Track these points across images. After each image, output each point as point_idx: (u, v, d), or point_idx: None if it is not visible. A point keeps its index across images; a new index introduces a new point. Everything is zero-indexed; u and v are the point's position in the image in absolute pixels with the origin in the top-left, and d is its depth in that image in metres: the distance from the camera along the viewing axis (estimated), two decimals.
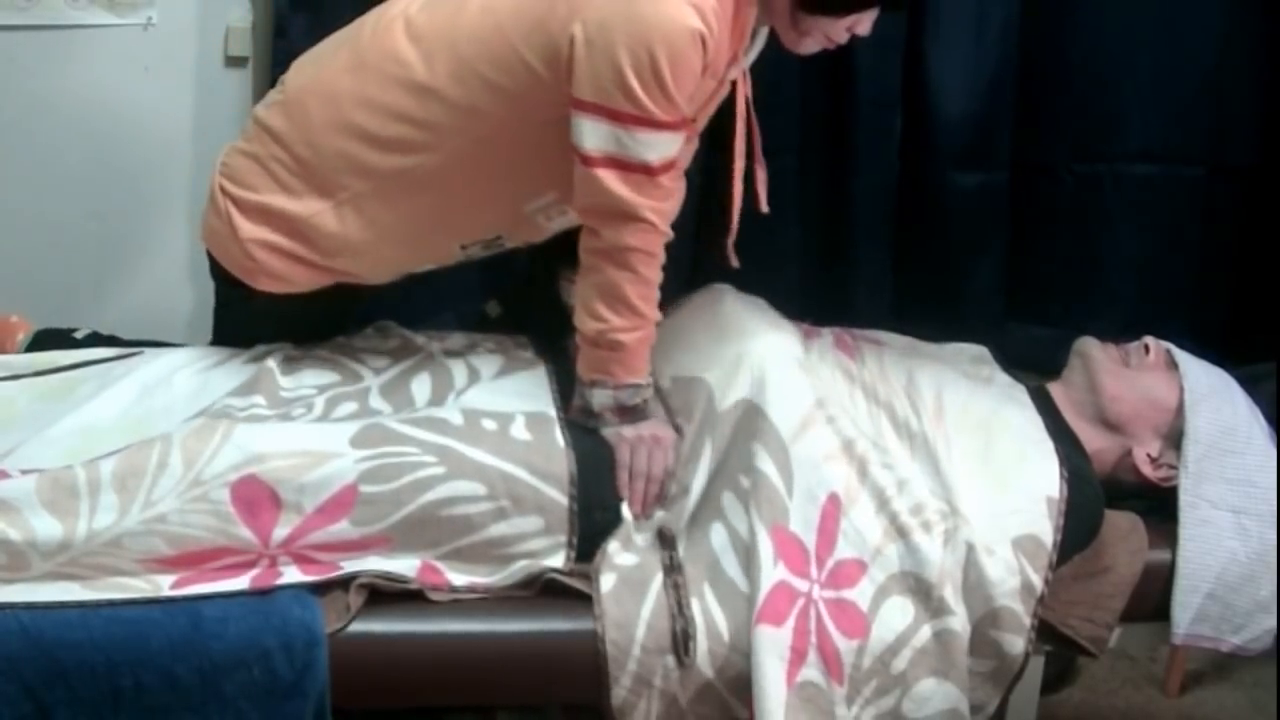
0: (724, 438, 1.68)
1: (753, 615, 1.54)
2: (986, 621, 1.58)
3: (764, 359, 1.72)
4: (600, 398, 1.67)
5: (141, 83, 2.20)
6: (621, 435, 1.67)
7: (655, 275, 1.65)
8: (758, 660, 1.52)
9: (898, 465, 1.65)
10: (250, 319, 1.82)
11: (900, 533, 1.60)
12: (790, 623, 1.54)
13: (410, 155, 1.65)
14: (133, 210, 2.26)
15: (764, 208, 1.87)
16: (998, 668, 1.59)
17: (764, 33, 1.74)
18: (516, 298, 2.02)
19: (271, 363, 1.76)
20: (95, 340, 1.93)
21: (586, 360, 1.68)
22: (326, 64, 1.71)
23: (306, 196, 1.68)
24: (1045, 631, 1.65)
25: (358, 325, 1.92)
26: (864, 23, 1.66)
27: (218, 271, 1.78)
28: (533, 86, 1.59)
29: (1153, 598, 1.73)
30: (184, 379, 1.75)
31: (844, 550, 1.58)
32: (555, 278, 1.90)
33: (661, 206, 1.61)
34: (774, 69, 2.20)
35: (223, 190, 1.72)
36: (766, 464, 1.62)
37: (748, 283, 2.07)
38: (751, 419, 1.67)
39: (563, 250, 1.79)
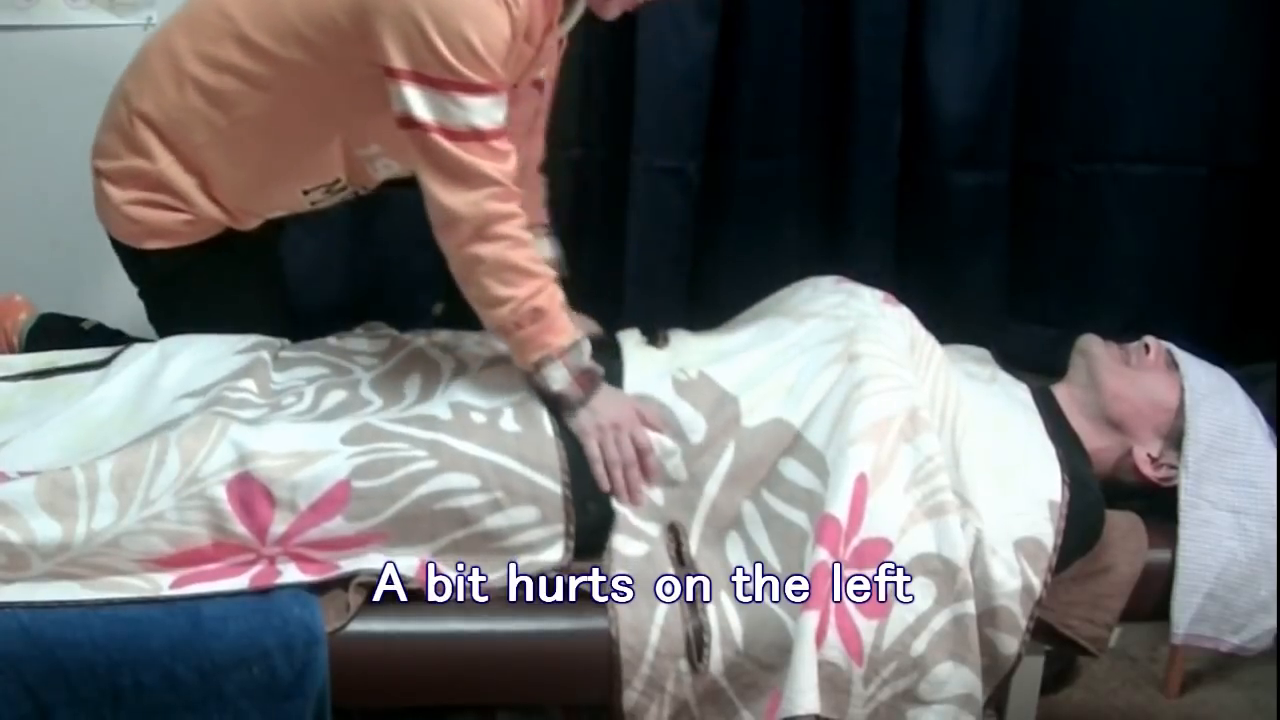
0: (752, 448, 1.67)
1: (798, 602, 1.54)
2: (984, 619, 1.58)
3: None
4: (555, 375, 1.67)
5: None
6: (584, 430, 1.66)
7: (525, 234, 1.66)
8: (796, 643, 1.51)
9: (928, 445, 1.65)
10: (167, 291, 1.88)
11: (928, 514, 1.60)
12: (819, 603, 1.54)
13: (239, 106, 1.72)
14: None
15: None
16: (989, 666, 1.59)
17: (582, 2, 1.76)
18: (459, 296, 2.03)
19: (265, 355, 1.78)
20: (101, 332, 1.93)
21: (519, 350, 1.68)
22: (170, 22, 1.78)
23: (155, 150, 1.76)
24: (1045, 631, 1.65)
25: (348, 326, 1.93)
26: None
27: (119, 251, 1.86)
28: (343, 44, 1.64)
29: (1153, 598, 1.73)
30: (179, 365, 1.76)
31: (870, 529, 1.58)
32: None
33: (503, 167, 1.62)
34: (773, 69, 2.21)
35: (96, 170, 1.81)
36: (802, 474, 1.63)
37: (748, 283, 2.07)
38: (786, 438, 1.67)
39: None
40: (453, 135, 1.59)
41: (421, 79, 1.57)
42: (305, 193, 1.84)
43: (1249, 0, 2.23)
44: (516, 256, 1.64)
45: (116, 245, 1.85)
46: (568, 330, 1.68)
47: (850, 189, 2.30)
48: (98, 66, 2.18)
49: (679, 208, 2.25)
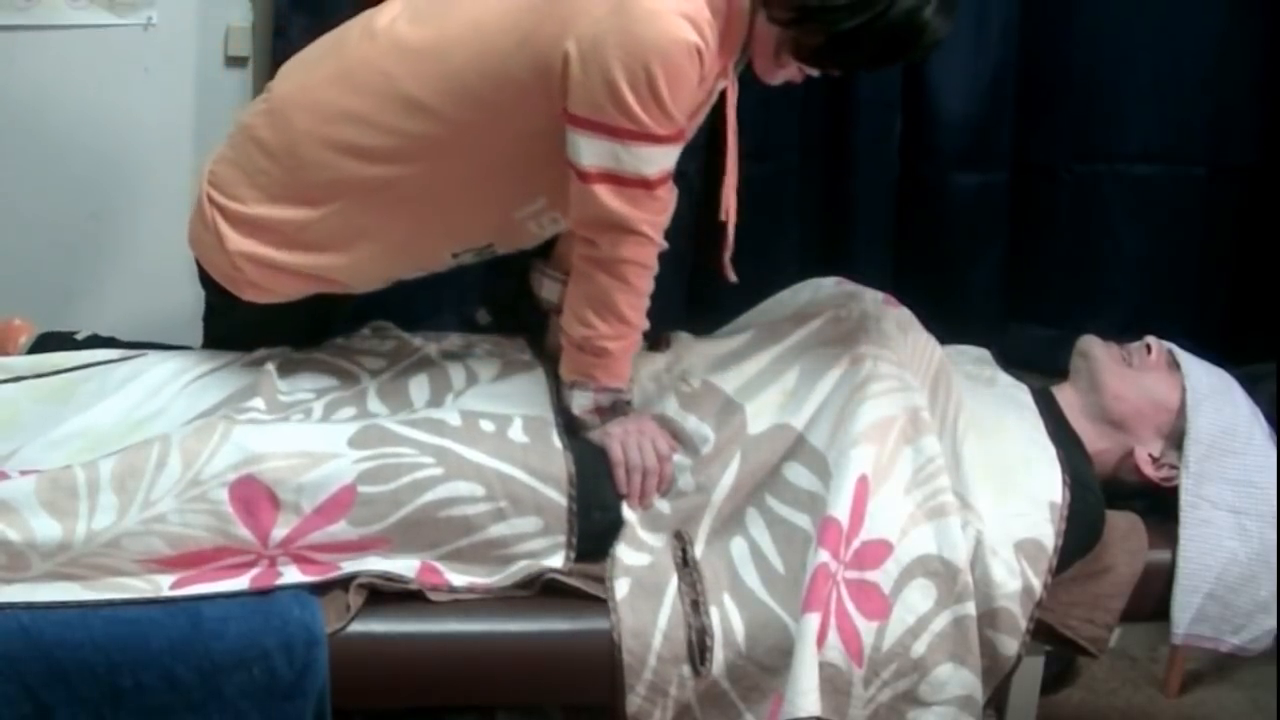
0: (756, 455, 1.68)
1: (799, 605, 1.54)
2: (984, 620, 1.59)
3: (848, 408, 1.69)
4: (580, 400, 1.69)
5: (141, 83, 2.20)
6: (609, 433, 1.67)
7: (646, 286, 1.66)
8: (797, 646, 1.51)
9: (929, 447, 1.65)
10: (237, 325, 1.81)
11: (929, 515, 1.60)
12: (820, 604, 1.54)
13: (396, 166, 1.63)
14: (133, 211, 2.26)
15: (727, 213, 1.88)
16: (989, 667, 1.59)
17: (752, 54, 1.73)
18: (505, 306, 2.02)
19: (270, 366, 1.76)
20: (96, 342, 1.92)
21: (570, 362, 1.69)
22: (312, 73, 1.69)
23: (294, 208, 1.67)
24: (1045, 632, 1.65)
25: (354, 326, 1.92)
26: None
27: (205, 278, 1.77)
28: (520, 99, 1.58)
29: (1153, 598, 1.73)
30: (184, 383, 1.75)
31: (870, 531, 1.58)
32: (529, 269, 1.91)
33: (657, 219, 1.62)
34: None
35: (210, 200, 1.70)
36: (805, 476, 1.64)
37: (748, 283, 2.07)
38: (789, 441, 1.68)
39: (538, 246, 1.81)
40: (618, 181, 1.56)
41: (599, 127, 1.53)
42: (454, 255, 1.75)
43: (1248, 1, 2.24)
44: (619, 300, 1.64)
45: (204, 272, 1.76)
46: (619, 378, 1.69)
47: (850, 189, 2.30)
48: (98, 66, 2.18)
49: (679, 208, 2.25)
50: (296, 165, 1.66)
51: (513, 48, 1.57)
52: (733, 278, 1.87)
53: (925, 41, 1.57)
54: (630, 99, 1.51)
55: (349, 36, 1.69)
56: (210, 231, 1.70)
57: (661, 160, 1.57)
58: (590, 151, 1.55)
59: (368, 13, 1.70)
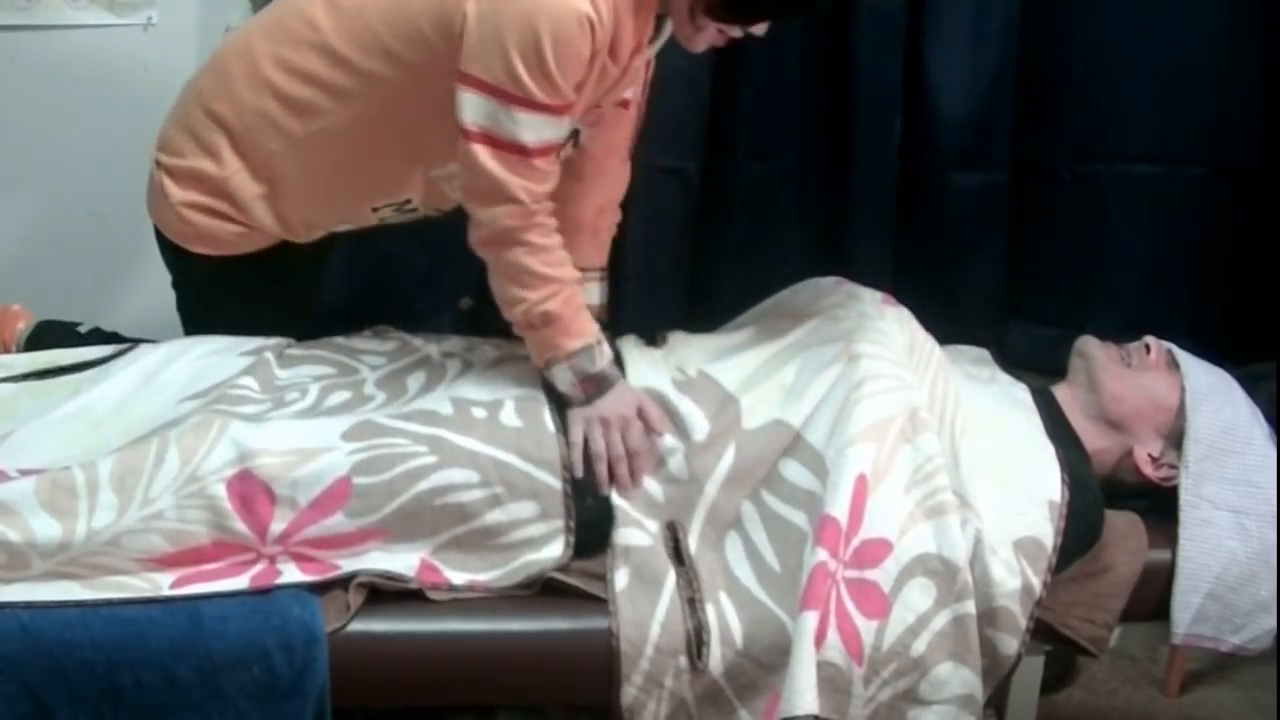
0: (753, 449, 1.68)
1: (795, 602, 1.54)
2: (984, 619, 1.59)
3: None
4: (561, 376, 1.68)
5: (141, 83, 2.21)
6: (574, 418, 1.67)
7: (548, 240, 1.66)
8: (795, 644, 1.51)
9: (928, 446, 1.65)
10: (201, 292, 1.86)
11: (928, 514, 1.60)
12: (818, 603, 1.54)
13: (319, 117, 1.69)
14: (133, 210, 2.24)
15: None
16: (989, 666, 1.59)
17: (671, 23, 1.74)
18: (488, 292, 2.03)
19: (269, 355, 1.78)
20: (98, 335, 1.93)
21: (533, 348, 1.70)
22: (254, 24, 1.76)
23: (225, 155, 1.73)
24: (1045, 631, 1.65)
25: (355, 328, 1.93)
26: (762, 25, 1.67)
27: (162, 244, 1.83)
28: (430, 58, 1.62)
29: (1153, 598, 1.73)
30: (183, 365, 1.76)
31: (869, 529, 1.58)
32: None
33: (534, 188, 1.62)
34: (773, 69, 2.21)
35: (157, 162, 1.78)
36: (802, 475, 1.64)
37: (748, 283, 2.07)
38: (786, 438, 1.68)
39: None
40: (496, 144, 1.58)
41: (484, 87, 1.56)
42: (375, 209, 1.82)
43: (1249, 0, 2.24)
44: (532, 262, 1.64)
45: (161, 239, 1.83)
46: (581, 334, 1.69)
47: (850, 189, 2.30)
48: (98, 66, 2.19)
49: (679, 208, 2.26)
50: (229, 111, 1.72)
51: (423, 6, 1.61)
52: None
53: None
54: (518, 63, 1.54)
55: None
56: (156, 190, 1.78)
57: (542, 129, 1.59)
58: (472, 109, 1.58)
59: None
